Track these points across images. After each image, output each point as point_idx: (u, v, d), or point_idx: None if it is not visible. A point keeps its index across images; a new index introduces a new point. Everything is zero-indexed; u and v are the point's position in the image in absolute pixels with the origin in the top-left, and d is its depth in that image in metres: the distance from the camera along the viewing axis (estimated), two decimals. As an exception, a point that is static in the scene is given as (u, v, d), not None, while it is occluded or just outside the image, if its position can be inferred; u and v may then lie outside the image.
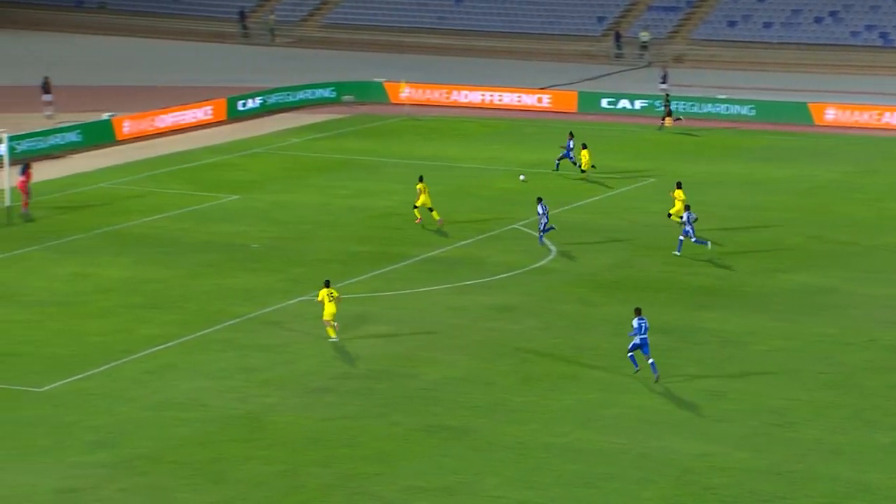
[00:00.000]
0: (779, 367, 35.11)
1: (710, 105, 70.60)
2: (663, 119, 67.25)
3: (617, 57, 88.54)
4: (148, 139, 63.29)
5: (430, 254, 45.19)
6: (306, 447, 29.81)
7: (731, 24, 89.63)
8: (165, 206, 50.62)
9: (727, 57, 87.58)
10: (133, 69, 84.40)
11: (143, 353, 35.33)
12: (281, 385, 33.42)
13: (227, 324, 37.73)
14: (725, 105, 70.53)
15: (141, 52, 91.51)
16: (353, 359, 35.38)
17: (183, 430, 30.64)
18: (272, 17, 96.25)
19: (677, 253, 44.55)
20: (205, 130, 65.76)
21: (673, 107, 68.81)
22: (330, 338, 36.21)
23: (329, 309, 36.03)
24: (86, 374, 33.86)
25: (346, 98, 73.59)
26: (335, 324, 36.16)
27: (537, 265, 44.08)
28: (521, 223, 48.77)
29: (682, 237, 44.67)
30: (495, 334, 37.42)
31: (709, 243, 44.78)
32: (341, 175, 56.17)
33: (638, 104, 70.45)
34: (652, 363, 33.86)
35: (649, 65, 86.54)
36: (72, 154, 59.85)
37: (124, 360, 34.86)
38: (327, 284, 36.58)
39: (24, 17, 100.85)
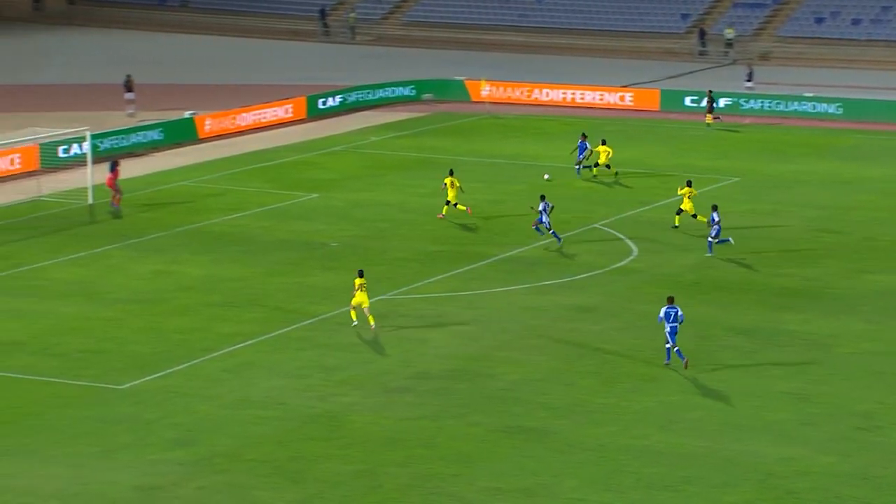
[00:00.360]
0: (865, 370, 34.47)
1: (796, 103, 69.70)
2: (706, 115, 66.77)
3: (701, 54, 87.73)
4: (229, 137, 63.60)
5: (508, 253, 44.94)
6: (384, 447, 29.70)
7: (819, 20, 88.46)
8: (245, 205, 50.81)
9: (814, 54, 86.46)
10: (214, 67, 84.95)
11: (222, 352, 35.42)
12: (359, 384, 33.34)
13: (306, 322, 37.74)
14: (812, 103, 69.58)
15: (222, 50, 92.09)
16: (432, 359, 35.22)
17: (261, 428, 30.65)
18: (353, 14, 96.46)
19: (709, 254, 44.10)
20: (285, 128, 65.99)
21: (758, 105, 68.01)
22: (356, 322, 36.74)
23: (358, 298, 36.49)
24: (166, 371, 34.00)
25: (425, 96, 73.52)
26: (370, 319, 36.62)
27: (618, 265, 43.67)
28: (601, 223, 48.36)
29: (711, 239, 44.22)
30: (575, 335, 37.09)
31: (730, 241, 44.15)
32: (420, 173, 56.07)
33: (723, 102, 69.66)
34: (677, 350, 34.23)
35: (734, 62, 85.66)
36: (154, 152, 60.28)
37: (204, 357, 34.97)
38: (360, 274, 36.99)
39: (107, 16, 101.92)
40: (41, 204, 50.52)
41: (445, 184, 48.58)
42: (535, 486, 27.98)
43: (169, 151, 60.52)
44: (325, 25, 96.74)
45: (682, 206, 47.08)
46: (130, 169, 56.44)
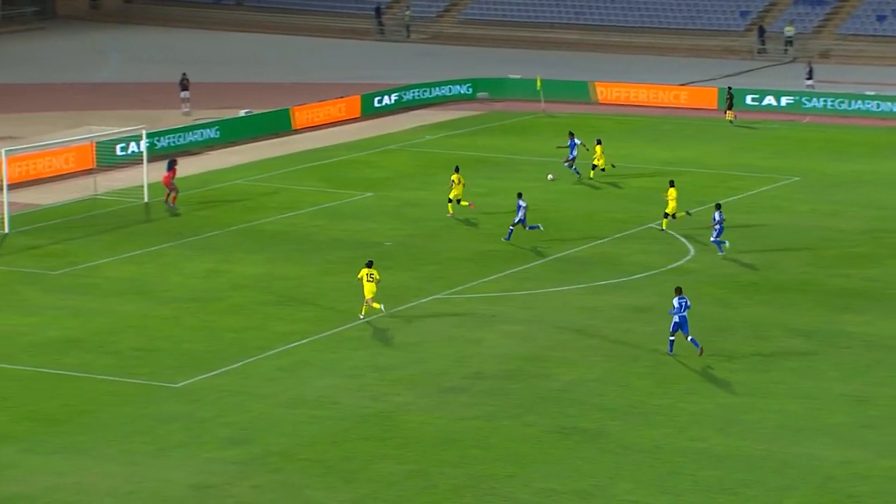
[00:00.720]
0: (926, 373, 33.95)
1: (858, 102, 68.90)
2: (725, 112, 66.42)
3: (760, 52, 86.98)
4: (284, 136, 63.66)
5: (562, 253, 44.66)
6: (438, 447, 29.54)
7: (881, 18, 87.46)
8: (299, 203, 50.81)
9: (875, 52, 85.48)
10: (269, 66, 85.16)
11: (276, 350, 35.39)
12: (413, 384, 33.19)
13: (359, 321, 37.62)
14: (875, 102, 68.77)
15: (277, 48, 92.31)
16: (486, 359, 35.01)
17: (315, 427, 30.57)
18: (408, 13, 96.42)
19: (721, 253, 43.70)
20: (339, 127, 65.98)
21: (820, 104, 67.32)
22: (363, 316, 37.22)
23: (369, 288, 36.95)
24: (220, 370, 34.00)
25: (481, 95, 73.30)
26: (379, 306, 37.16)
27: (674, 265, 43.29)
28: (657, 222, 47.94)
29: (713, 239, 43.88)
30: (630, 335, 36.78)
31: (725, 244, 43.73)
32: (474, 172, 55.82)
33: (784, 101, 68.96)
34: (692, 339, 34.55)
35: (793, 60, 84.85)
36: (209, 151, 60.44)
37: (258, 356, 34.95)
38: (369, 265, 37.34)
39: (163, 14, 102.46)
40: (97, 202, 50.77)
41: (452, 181, 48.50)
42: (590, 487, 27.73)
43: (224, 150, 60.67)
44: (381, 24, 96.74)
45: (667, 209, 46.62)
46: (186, 167, 56.60)
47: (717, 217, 43.75)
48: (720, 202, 45.42)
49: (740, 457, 29.13)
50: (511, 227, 45.40)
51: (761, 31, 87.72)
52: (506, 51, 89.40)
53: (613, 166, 54.69)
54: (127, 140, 55.76)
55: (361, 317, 37.48)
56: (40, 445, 29.41)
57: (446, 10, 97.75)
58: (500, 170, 56.93)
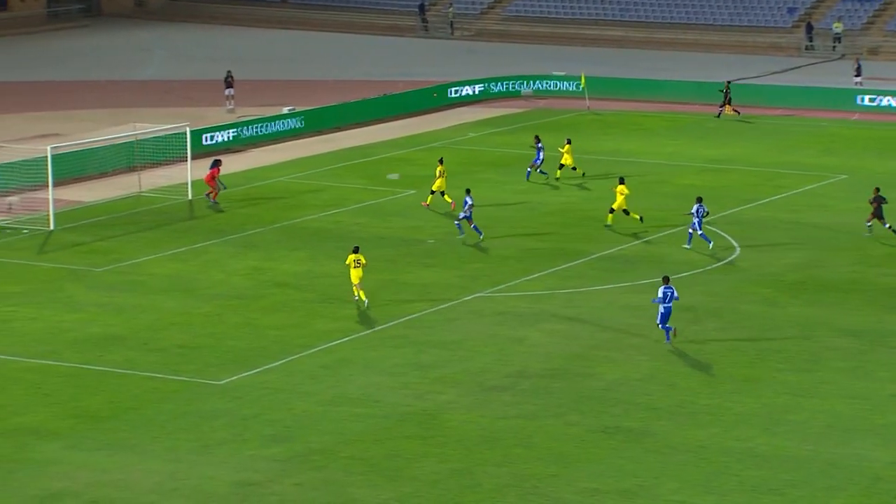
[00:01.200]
0: (976, 374, 33.48)
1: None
2: (722, 107, 66.40)
3: (808, 49, 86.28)
4: (328, 133, 63.67)
5: (607, 251, 44.39)
6: (481, 446, 29.38)
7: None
8: (342, 201, 50.77)
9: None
10: (313, 63, 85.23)
11: (318, 348, 35.33)
12: (456, 382, 33.05)
13: (402, 319, 37.53)
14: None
15: (321, 45, 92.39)
16: (529, 357, 34.82)
17: (358, 425, 30.48)
18: (451, 9, 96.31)
19: (687, 246, 43.70)
20: (383, 124, 65.91)
21: (866, 101, 66.64)
22: (357, 298, 37.96)
23: (356, 273, 37.76)
24: (263, 367, 33.98)
25: (524, 92, 73.07)
26: (364, 298, 37.86)
27: (720, 264, 42.95)
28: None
29: (690, 230, 43.77)
30: (676, 335, 36.43)
31: (712, 242, 43.66)
32: (518, 170, 55.62)
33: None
34: (668, 328, 34.99)
35: (842, 57, 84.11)
36: (253, 148, 60.50)
37: (300, 354, 34.91)
38: (356, 250, 37.96)
39: (207, 12, 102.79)
40: (141, 199, 50.92)
41: (439, 172, 48.87)
42: (634, 487, 27.50)
43: (268, 147, 60.73)
44: (424, 20, 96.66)
45: (614, 205, 46.36)
46: (230, 165, 56.71)
47: (699, 210, 43.69)
48: (701, 196, 45.11)
49: (787, 457, 28.82)
50: (457, 222, 45.39)
51: (809, 28, 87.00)
52: (550, 47, 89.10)
53: (584, 175, 53.56)
54: (170, 137, 55.82)
55: (356, 298, 38.04)
56: (84, 442, 29.47)
57: (490, 7, 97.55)
58: (544, 167, 56.66)
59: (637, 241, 45.32)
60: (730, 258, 43.57)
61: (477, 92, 71.97)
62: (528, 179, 53.51)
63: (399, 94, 69.61)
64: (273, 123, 62.53)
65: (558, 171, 53.51)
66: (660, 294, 35.21)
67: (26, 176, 50.14)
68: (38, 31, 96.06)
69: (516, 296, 39.75)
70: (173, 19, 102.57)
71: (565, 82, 72.95)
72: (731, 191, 52.70)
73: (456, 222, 45.54)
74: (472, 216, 44.99)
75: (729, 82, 68.21)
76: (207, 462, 28.53)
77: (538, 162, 53.63)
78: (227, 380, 33.14)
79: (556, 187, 52.70)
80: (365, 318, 37.59)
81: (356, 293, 38.17)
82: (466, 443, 29.57)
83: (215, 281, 41.03)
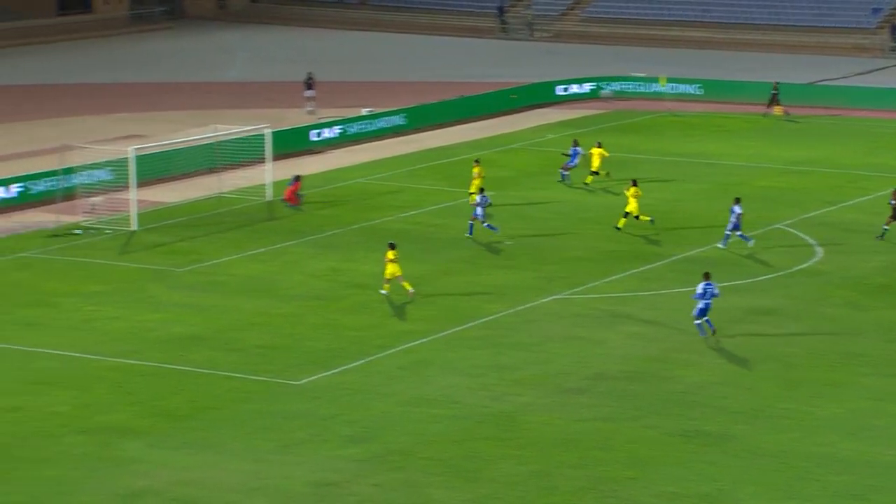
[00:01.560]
0: None
1: None
2: (769, 106, 65.94)
3: (893, 50, 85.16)
4: (407, 135, 63.84)
5: (686, 253, 44.11)
6: (559, 448, 29.33)
7: None
8: (421, 202, 50.87)
9: None
10: (392, 64, 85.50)
11: (397, 349, 35.44)
12: (534, 384, 33.01)
13: (481, 321, 37.54)
14: None
15: (400, 47, 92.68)
16: (608, 359, 34.70)
17: (436, 426, 30.54)
18: (530, 11, 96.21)
19: (721, 245, 43.63)
20: (462, 125, 65.96)
21: None
22: (386, 293, 39.09)
23: (391, 269, 38.74)
24: (342, 368, 34.14)
25: (604, 93, 72.80)
26: (406, 286, 38.81)
27: (801, 266, 42.52)
28: (784, 223, 47.16)
29: (727, 231, 43.63)
30: (756, 338, 36.19)
31: (729, 239, 43.61)
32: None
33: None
34: (707, 320, 35.57)
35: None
36: (332, 149, 60.81)
37: (379, 355, 35.03)
38: (392, 247, 38.88)
39: (288, 14, 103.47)
40: (222, 200, 51.35)
41: (475, 173, 49.21)
42: (714, 491, 27.32)
43: (346, 148, 60.99)
44: (503, 22, 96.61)
45: (627, 208, 45.81)
46: (309, 166, 57.08)
47: (735, 210, 43.57)
48: (739, 196, 44.89)
49: (870, 462, 28.48)
50: (471, 223, 45.61)
51: (894, 29, 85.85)
52: (629, 49, 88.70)
53: (608, 174, 52.78)
54: (251, 139, 56.24)
55: (386, 294, 39.00)
56: (166, 440, 29.79)
57: (570, 9, 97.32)
58: (621, 169, 56.45)
59: (717, 244, 44.97)
60: (812, 261, 43.12)
61: (587, 90, 71.90)
62: (562, 181, 52.94)
63: (478, 95, 69.61)
64: (377, 120, 62.87)
65: (589, 177, 52.51)
66: (699, 290, 35.48)
67: (109, 177, 50.77)
68: (121, 33, 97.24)
69: (594, 298, 39.62)
70: (254, 21, 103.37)
71: (645, 84, 72.59)
72: (813, 193, 52.17)
73: (470, 221, 45.63)
74: (485, 214, 45.23)
75: (777, 83, 67.57)
76: (287, 462, 28.72)
77: (571, 164, 53.11)
78: (307, 380, 33.34)
79: (650, 189, 52.28)
80: (444, 319, 37.66)
81: (388, 288, 38.93)
82: (544, 445, 29.53)
83: (294, 282, 41.29)
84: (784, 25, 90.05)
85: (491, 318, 37.79)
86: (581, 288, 40.48)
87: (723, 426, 30.47)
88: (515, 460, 28.77)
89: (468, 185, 49.88)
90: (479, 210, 45.32)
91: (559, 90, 72.05)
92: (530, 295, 39.73)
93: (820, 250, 44.11)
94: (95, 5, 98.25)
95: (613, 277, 41.52)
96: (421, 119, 65.35)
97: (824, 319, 37.43)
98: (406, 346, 35.67)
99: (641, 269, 42.32)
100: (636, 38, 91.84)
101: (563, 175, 53.27)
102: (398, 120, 64.50)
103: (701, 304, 35.46)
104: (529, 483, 27.74)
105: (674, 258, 43.48)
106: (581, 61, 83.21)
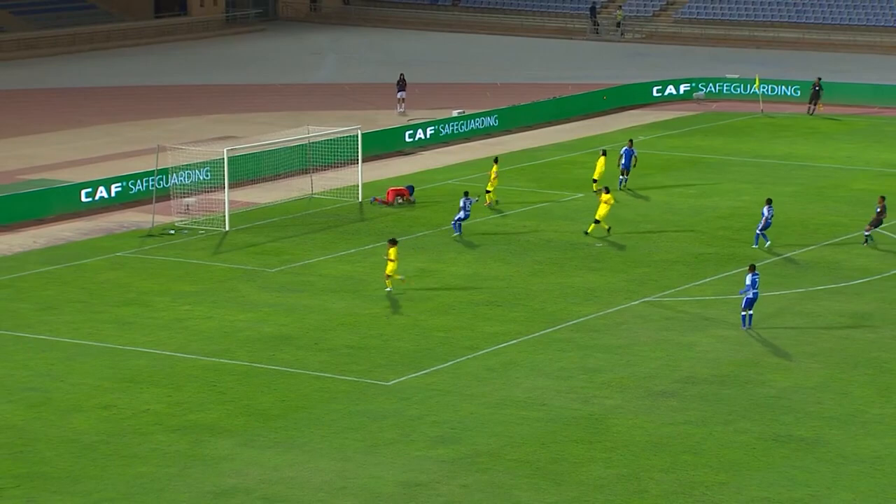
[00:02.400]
0: None
1: None
2: (814, 104, 65.91)
3: None
4: (497, 136, 63.80)
5: (779, 257, 43.61)
6: (648, 452, 29.12)
7: None
8: (509, 204, 50.80)
9: None
10: (482, 65, 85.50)
11: (485, 350, 35.41)
12: (623, 387, 32.82)
13: (569, 323, 37.40)
14: None
15: (491, 48, 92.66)
16: (698, 363, 34.39)
17: (524, 428, 30.47)
18: (619, 12, 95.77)
19: (755, 246, 43.62)
20: (552, 127, 65.81)
21: None
22: (390, 289, 39.54)
23: (390, 267, 39.19)
24: (430, 369, 34.18)
25: (696, 94, 72.23)
26: (400, 277, 39.45)
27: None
28: (880, 226, 46.40)
29: (758, 231, 43.83)
30: (849, 342, 35.68)
31: (766, 242, 43.62)
32: (688, 174, 55.04)
33: None
34: (750, 315, 36.04)
35: None
36: (423, 150, 60.94)
37: (467, 356, 35.03)
38: (393, 243, 39.44)
39: (380, 15, 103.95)
40: (313, 201, 51.68)
41: (494, 173, 49.33)
42: (806, 497, 26.97)
43: (438, 150, 61.09)
44: (595, 23, 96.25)
45: (597, 214, 45.19)
46: (400, 167, 57.27)
47: (765, 213, 43.69)
48: (770, 198, 44.88)
49: (965, 471, 27.97)
50: (455, 222, 45.75)
51: None
52: (722, 50, 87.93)
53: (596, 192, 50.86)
54: (342, 140, 56.54)
55: (389, 289, 39.37)
56: (256, 439, 30.01)
57: (662, 10, 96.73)
58: (713, 171, 56.01)
59: (811, 247, 44.44)
60: (907, 265, 42.46)
61: (682, 91, 71.40)
62: (620, 187, 51.96)
63: (569, 96, 69.42)
64: (470, 122, 63.30)
65: (594, 185, 51.29)
66: (748, 282, 35.91)
67: (204, 177, 51.31)
68: (216, 35, 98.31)
69: (684, 301, 39.31)
70: (346, 23, 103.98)
71: (739, 85, 71.92)
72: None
73: (454, 223, 45.75)
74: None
75: (819, 79, 66.80)
76: (375, 462, 28.81)
77: (626, 167, 52.13)
78: (395, 381, 33.42)
79: (742, 192, 51.85)
80: (532, 321, 37.57)
81: (389, 283, 39.39)
82: (633, 448, 29.34)
83: (383, 282, 41.41)
84: (880, 27, 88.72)
85: (579, 320, 37.64)
86: (671, 291, 40.18)
87: (815, 431, 30.09)
88: (603, 463, 28.61)
89: (486, 183, 49.88)
90: (465, 213, 45.37)
91: (655, 91, 71.62)
92: (619, 297, 39.52)
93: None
94: (191, 8, 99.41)
95: (704, 280, 41.16)
96: (513, 120, 65.34)
97: (920, 324, 36.83)
98: (494, 347, 35.63)
99: (732, 272, 41.90)
100: (729, 39, 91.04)
101: (621, 181, 52.17)
102: (490, 121, 64.53)
103: (750, 294, 35.84)
104: (617, 486, 27.57)
105: (766, 262, 43.00)
106: (672, 63, 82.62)
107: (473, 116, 64.27)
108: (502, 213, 49.59)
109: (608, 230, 45.68)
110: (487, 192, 49.81)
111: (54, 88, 78.29)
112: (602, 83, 73.19)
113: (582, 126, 66.05)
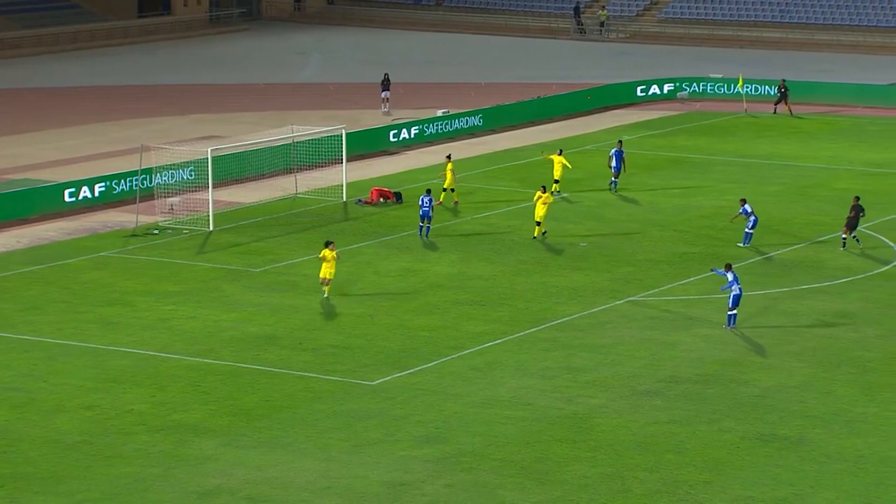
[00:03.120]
0: None
1: None
2: (784, 104, 66.26)
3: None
4: (480, 136, 63.80)
5: (763, 256, 43.71)
6: (632, 451, 29.16)
7: None
8: (494, 203, 50.82)
9: None
10: (467, 65, 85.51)
11: (469, 350, 35.43)
12: (607, 386, 32.86)
13: (553, 323, 37.43)
14: None
15: (476, 48, 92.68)
16: (682, 362, 34.45)
17: (508, 428, 30.48)
18: (602, 12, 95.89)
19: (744, 245, 43.96)
20: (536, 127, 65.85)
21: None
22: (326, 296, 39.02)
23: (325, 269, 38.77)
24: (415, 369, 34.18)
25: (680, 94, 72.35)
26: (325, 287, 38.97)
27: (880, 270, 41.99)
28: (863, 226, 46.55)
29: (747, 230, 44.09)
30: (833, 341, 35.78)
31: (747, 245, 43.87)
32: (671, 173, 55.13)
33: None
34: (734, 315, 36.18)
35: None
36: (406, 150, 60.92)
37: (452, 356, 35.04)
38: (328, 245, 38.98)
39: (364, 15, 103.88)
40: (297, 201, 51.63)
41: (448, 170, 49.17)
42: (790, 496, 27.03)
43: (421, 149, 61.06)
44: (580, 23, 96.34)
45: (536, 217, 44.97)
46: (384, 167, 57.26)
47: (747, 209, 44.11)
48: (744, 198, 45.39)
49: (948, 469, 28.07)
50: (421, 225, 45.48)
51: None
52: (706, 49, 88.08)
53: (557, 187, 51.00)
54: (327, 140, 56.47)
55: (326, 296, 38.91)
56: (240, 439, 29.97)
57: (646, 9, 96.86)
58: (697, 171, 56.11)
59: (794, 246, 44.54)
60: (891, 264, 42.55)
61: (666, 91, 71.49)
62: (611, 189, 51.71)
63: (553, 96, 69.45)
64: (454, 121, 63.30)
65: (555, 186, 51.00)
66: (730, 278, 36.09)
67: (188, 177, 51.22)
68: (200, 34, 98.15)
69: (668, 300, 39.37)
70: (330, 23, 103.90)
71: (722, 85, 72.02)
72: (893, 196, 51.51)
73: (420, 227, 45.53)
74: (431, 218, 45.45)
75: (784, 80, 67.16)
76: (359, 462, 28.79)
77: (616, 169, 51.67)
78: (380, 380, 33.41)
79: (726, 191, 51.82)
80: (516, 320, 37.59)
81: (326, 290, 39.07)
82: (617, 447, 29.38)
83: (367, 282, 41.41)
84: (864, 27, 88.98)
85: (564, 320, 37.67)
86: (655, 290, 40.24)
87: (799, 430, 30.15)
88: (588, 462, 28.64)
89: (443, 182, 49.64)
90: (427, 209, 45.22)
91: (639, 91, 71.70)
92: (603, 297, 39.56)
93: (899, 253, 43.56)
94: (175, 7, 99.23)
95: (688, 280, 41.23)
96: (497, 120, 65.34)
97: (903, 323, 36.95)
98: (478, 347, 35.64)
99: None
100: (714, 38, 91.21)
101: (612, 182, 51.88)
102: (475, 121, 64.54)
103: (736, 290, 35.89)
104: (602, 485, 27.60)
105: (749, 261, 43.10)
106: (656, 62, 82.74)
107: (458, 116, 64.26)
108: (490, 211, 49.59)
109: (544, 234, 45.19)
110: (444, 190, 49.30)
111: (37, 88, 78.09)
112: (586, 83, 73.25)
113: (566, 126, 66.10)
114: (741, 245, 44.15)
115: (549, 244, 45.28)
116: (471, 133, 63.87)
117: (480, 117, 64.89)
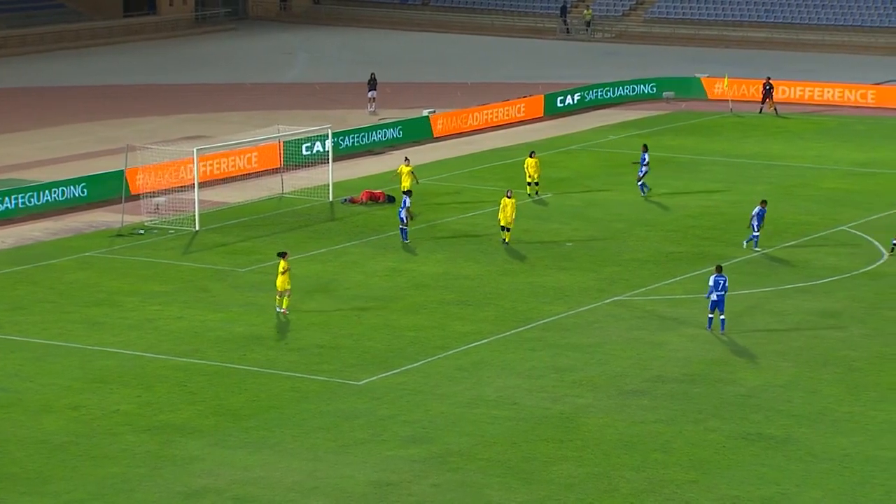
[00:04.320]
0: None
1: None
2: (769, 102, 66.26)
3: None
4: (464, 136, 63.81)
5: (750, 255, 43.79)
6: (619, 450, 29.20)
7: None
8: (480, 203, 50.83)
9: None
10: (454, 65, 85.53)
11: (456, 350, 35.43)
12: (593, 386, 32.89)
13: (540, 322, 37.46)
14: None
15: (462, 48, 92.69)
16: (668, 362, 34.50)
17: (495, 427, 30.50)
18: (588, 12, 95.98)
19: (746, 245, 43.72)
20: (522, 127, 65.88)
21: None
22: (280, 309, 37.78)
23: (280, 281, 37.43)
24: (401, 369, 34.18)
25: (666, 94, 72.44)
26: (281, 298, 37.60)
27: (866, 269, 42.09)
28: (849, 225, 46.72)
29: (756, 232, 43.82)
30: (819, 341, 35.86)
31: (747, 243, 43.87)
32: (658, 173, 55.14)
33: None
34: (723, 320, 35.79)
35: None
36: (392, 150, 60.91)
37: (438, 356, 35.04)
38: (282, 256, 37.71)
39: (350, 15, 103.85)
40: (284, 201, 51.59)
41: (401, 172, 48.97)
42: (776, 495, 27.09)
43: (407, 150, 61.02)
44: (566, 23, 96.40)
45: (503, 222, 44.37)
46: (369, 167, 57.24)
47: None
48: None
49: (934, 468, 28.14)
50: (402, 227, 45.07)
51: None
52: (692, 49, 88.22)
53: (538, 194, 50.92)
54: (313, 139, 56.49)
55: (279, 309, 37.82)
56: (227, 440, 29.94)
57: (632, 9, 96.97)
58: (684, 170, 56.19)
59: (781, 245, 44.62)
60: (876, 263, 42.66)
61: (654, 91, 71.42)
62: (643, 195, 51.11)
63: (539, 95, 69.43)
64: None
65: (528, 188, 50.72)
66: (711, 283, 35.94)
67: (173, 177, 51.12)
68: (186, 34, 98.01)
69: (655, 300, 39.42)
70: (316, 22, 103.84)
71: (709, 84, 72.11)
72: (878, 195, 51.65)
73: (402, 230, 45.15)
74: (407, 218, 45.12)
75: (769, 78, 67.06)
76: (346, 462, 28.79)
77: (641, 173, 51.40)
78: (366, 380, 33.40)
79: (712, 191, 51.91)
80: (502, 320, 37.60)
81: (282, 301, 37.60)
82: (604, 447, 29.41)
83: (354, 282, 41.40)
84: (849, 26, 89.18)
85: (550, 319, 37.70)
86: (641, 290, 40.29)
87: (785, 429, 30.22)
88: (574, 462, 28.67)
89: (400, 182, 49.22)
90: (403, 212, 44.95)
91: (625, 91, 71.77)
92: (590, 296, 39.60)
93: (885, 252, 43.63)
94: (160, 7, 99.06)
95: (675, 279, 41.29)
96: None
97: (888, 322, 37.02)
98: (465, 347, 35.65)
99: (703, 270, 42.01)
100: (699, 38, 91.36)
101: (641, 188, 51.22)
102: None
103: (714, 297, 35.78)
104: (588, 485, 27.63)
105: (736, 260, 43.17)
106: (642, 62, 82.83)
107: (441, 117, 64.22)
108: (476, 211, 49.60)
109: (505, 241, 44.72)
110: (406, 191, 48.64)
111: (23, 87, 77.90)
112: (572, 83, 73.31)
113: (552, 125, 66.15)
114: (756, 249, 43.58)
115: (536, 243, 45.28)
116: (456, 134, 63.75)
117: (463, 118, 64.89)
